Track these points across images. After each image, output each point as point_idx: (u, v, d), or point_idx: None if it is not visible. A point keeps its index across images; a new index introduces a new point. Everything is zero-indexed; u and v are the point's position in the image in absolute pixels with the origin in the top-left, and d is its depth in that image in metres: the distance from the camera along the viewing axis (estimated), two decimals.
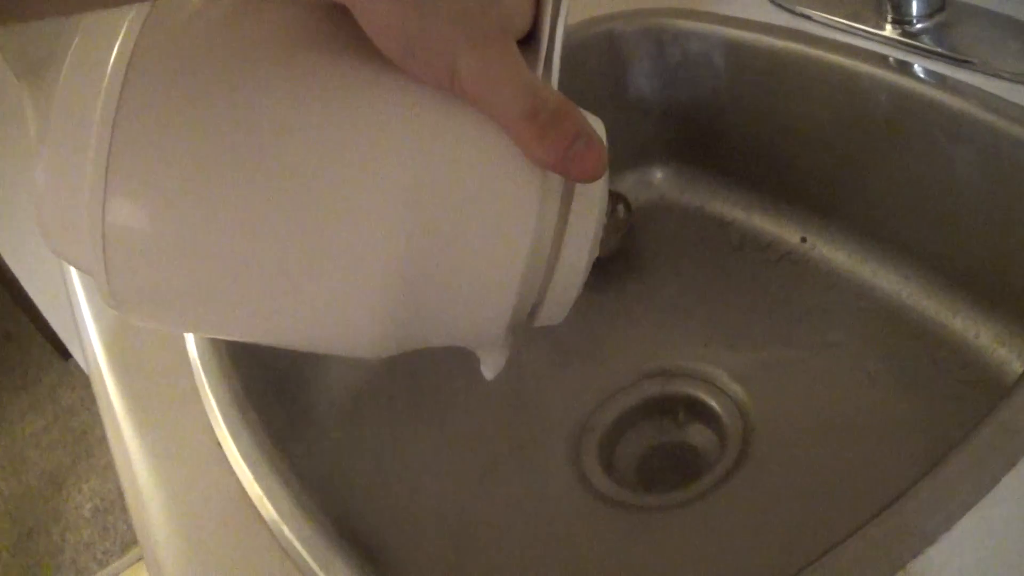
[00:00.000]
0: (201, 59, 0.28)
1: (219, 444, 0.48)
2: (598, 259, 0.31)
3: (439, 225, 0.28)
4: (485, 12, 0.28)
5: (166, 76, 0.28)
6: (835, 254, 0.65)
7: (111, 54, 0.28)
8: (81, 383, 2.18)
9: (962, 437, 0.36)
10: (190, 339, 0.54)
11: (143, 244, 0.28)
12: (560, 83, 0.30)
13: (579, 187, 0.30)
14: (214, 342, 0.53)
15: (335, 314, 0.29)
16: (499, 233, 0.29)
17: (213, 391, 0.51)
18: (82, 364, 2.11)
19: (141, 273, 0.29)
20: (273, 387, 0.57)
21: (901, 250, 0.61)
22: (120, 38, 0.28)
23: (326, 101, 0.28)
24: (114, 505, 1.89)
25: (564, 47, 0.31)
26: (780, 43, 0.62)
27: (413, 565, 0.54)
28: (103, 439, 0.53)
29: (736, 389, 0.61)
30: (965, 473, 0.35)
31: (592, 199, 0.30)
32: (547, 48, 0.31)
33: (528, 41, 0.31)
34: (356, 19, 0.28)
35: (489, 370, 0.35)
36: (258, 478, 0.45)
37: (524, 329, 0.33)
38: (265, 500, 0.44)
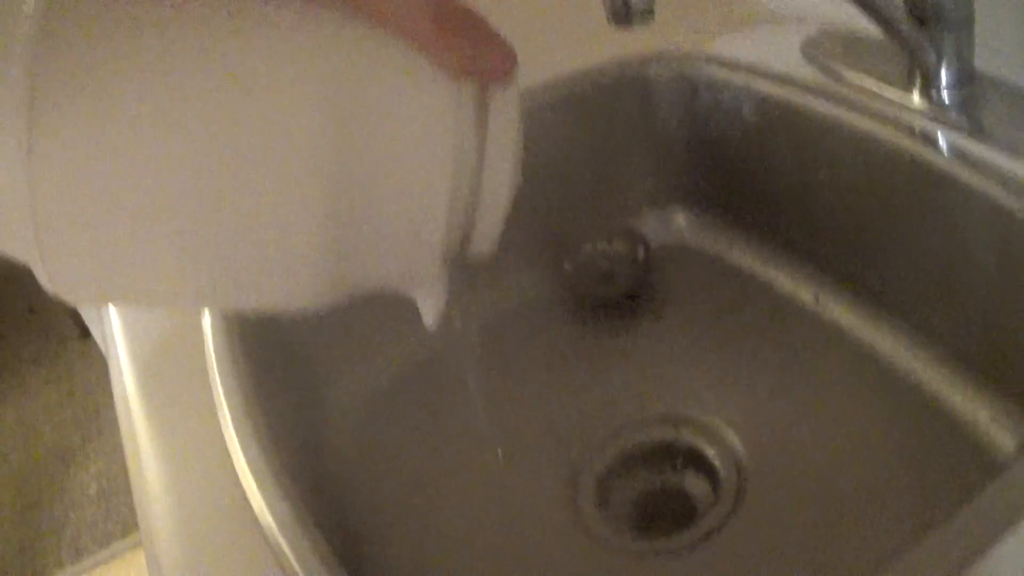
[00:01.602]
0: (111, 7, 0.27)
1: (223, 437, 0.49)
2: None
3: (359, 149, 0.27)
4: None
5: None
6: (846, 316, 0.66)
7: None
8: (99, 362, 2.19)
9: (940, 520, 0.36)
10: (207, 327, 0.55)
11: (72, 210, 0.26)
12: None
13: (494, 97, 0.30)
14: (230, 334, 0.54)
15: (267, 257, 0.28)
16: (419, 148, 0.28)
17: (224, 384, 0.52)
18: (100, 343, 2.13)
19: (74, 245, 0.27)
20: (284, 382, 0.59)
21: (910, 320, 0.62)
22: None
23: (231, 31, 0.27)
24: (120, 488, 1.89)
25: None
26: (808, 101, 0.63)
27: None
28: (115, 420, 0.54)
29: (735, 441, 0.62)
30: (935, 556, 0.35)
31: (508, 105, 0.30)
32: None
33: None
34: None
35: (429, 315, 0.34)
36: (258, 482, 0.46)
37: (458, 262, 0.32)
38: (265, 510, 0.45)
